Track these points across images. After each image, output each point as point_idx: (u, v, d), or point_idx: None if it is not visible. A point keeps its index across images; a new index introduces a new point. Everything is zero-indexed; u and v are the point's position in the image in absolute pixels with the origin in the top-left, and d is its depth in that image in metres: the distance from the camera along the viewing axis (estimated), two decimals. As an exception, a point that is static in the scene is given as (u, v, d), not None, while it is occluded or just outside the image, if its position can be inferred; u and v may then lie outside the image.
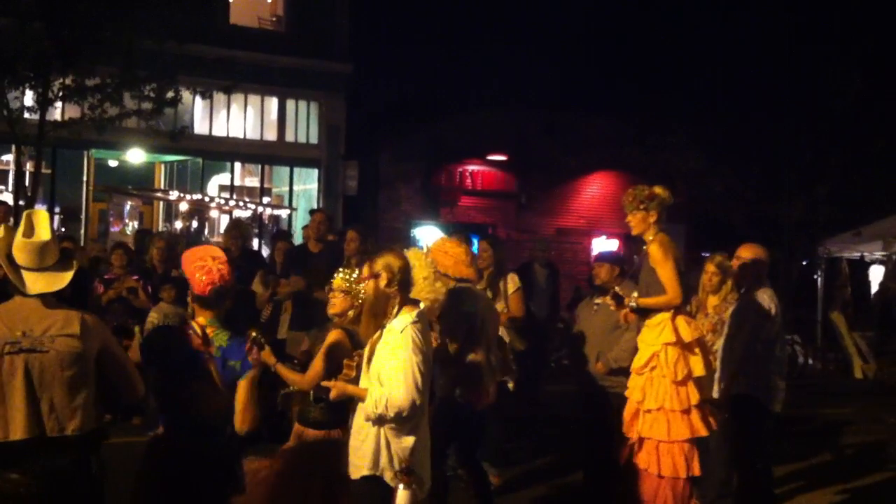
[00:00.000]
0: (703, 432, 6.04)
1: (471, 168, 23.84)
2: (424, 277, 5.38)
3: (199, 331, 4.21)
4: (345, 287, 5.28)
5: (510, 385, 7.35)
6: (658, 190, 6.19)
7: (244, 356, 4.19)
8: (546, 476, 8.36)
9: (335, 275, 5.38)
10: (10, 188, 19.54)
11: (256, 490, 5.00)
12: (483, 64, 25.33)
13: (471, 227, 20.91)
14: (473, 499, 6.41)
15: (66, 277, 3.94)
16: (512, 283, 8.13)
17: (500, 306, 7.71)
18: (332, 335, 5.29)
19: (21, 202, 16.17)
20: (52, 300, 3.92)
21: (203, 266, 4.24)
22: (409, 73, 24.44)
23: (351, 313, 5.24)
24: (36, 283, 3.87)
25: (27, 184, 16.77)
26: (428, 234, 20.18)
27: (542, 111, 23.41)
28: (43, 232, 3.92)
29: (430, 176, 23.42)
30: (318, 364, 5.25)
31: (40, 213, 4.07)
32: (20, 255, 3.88)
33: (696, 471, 6.04)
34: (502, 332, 7.36)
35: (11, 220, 12.25)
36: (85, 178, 20.63)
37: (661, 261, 6.02)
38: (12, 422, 3.72)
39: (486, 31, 25.38)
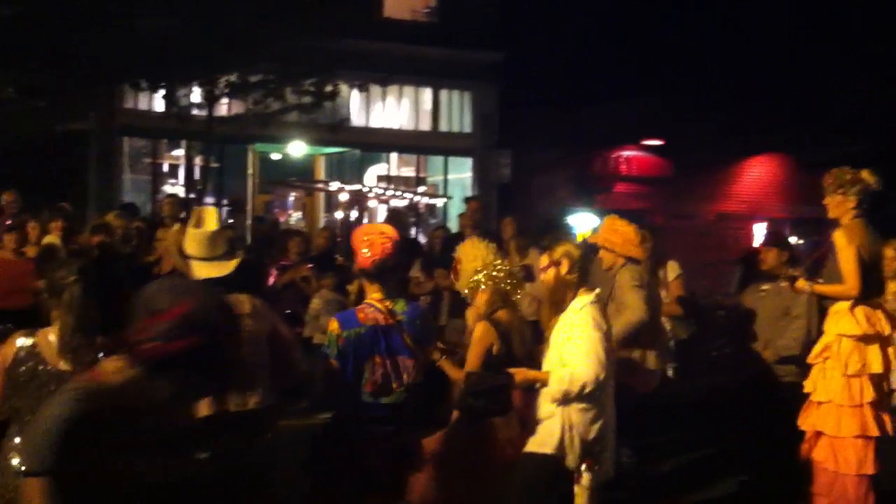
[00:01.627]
0: (875, 432, 5.72)
1: (626, 154, 23.48)
2: (476, 269, 5.31)
3: (380, 306, 4.25)
4: (488, 280, 5.25)
5: (670, 373, 7.22)
6: (864, 174, 5.84)
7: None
8: (702, 467, 8.14)
9: (477, 270, 5.33)
10: (181, 182, 20.54)
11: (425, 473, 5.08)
12: (636, 47, 24.83)
13: (626, 213, 20.57)
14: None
15: (231, 265, 4.12)
16: (672, 270, 7.98)
17: (661, 295, 7.57)
18: (478, 329, 5.26)
19: (191, 195, 16.97)
20: (226, 284, 4.10)
21: (368, 241, 4.29)
22: (561, 59, 24.19)
23: (486, 303, 5.21)
24: (202, 271, 4.06)
25: (196, 177, 17.52)
26: (582, 221, 19.97)
27: (698, 94, 22.81)
28: (210, 224, 4.14)
29: (584, 162, 23.19)
30: (472, 359, 5.26)
31: (209, 208, 4.30)
32: (190, 246, 4.10)
33: (871, 469, 5.74)
34: (663, 320, 7.23)
35: (183, 212, 12.80)
36: (250, 172, 21.39)
37: (842, 248, 5.74)
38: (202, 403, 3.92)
39: (639, 14, 24.83)
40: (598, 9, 23.98)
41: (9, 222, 8.65)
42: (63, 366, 3.59)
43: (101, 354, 3.57)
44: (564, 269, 4.71)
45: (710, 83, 23.08)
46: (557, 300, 4.72)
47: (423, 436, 4.80)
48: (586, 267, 4.85)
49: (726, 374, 9.27)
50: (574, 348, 4.47)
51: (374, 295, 4.29)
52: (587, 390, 4.43)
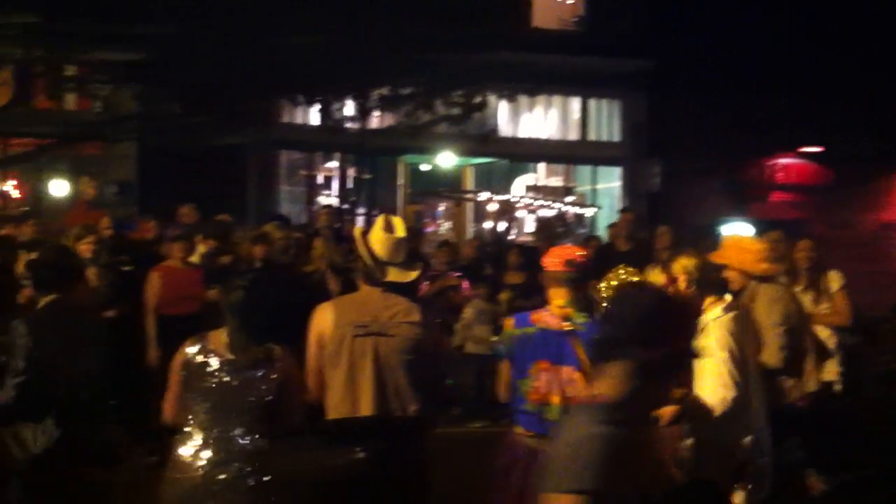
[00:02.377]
0: None
1: (782, 161, 22.72)
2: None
3: (557, 312, 4.30)
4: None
5: (837, 388, 6.94)
6: None
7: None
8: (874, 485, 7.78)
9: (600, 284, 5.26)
10: (335, 193, 21.09)
11: None
12: (789, 51, 24.01)
13: (782, 223, 19.91)
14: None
15: (413, 274, 4.27)
16: (835, 281, 7.67)
17: (823, 307, 7.30)
18: None
19: (344, 206, 17.40)
20: (392, 291, 4.22)
21: (562, 253, 4.43)
22: (711, 66, 23.64)
23: None
24: (391, 273, 4.20)
25: (349, 188, 17.97)
26: (736, 231, 19.43)
27: (856, 99, 21.85)
28: (399, 231, 4.27)
29: (738, 170, 22.56)
30: None
31: (396, 217, 4.44)
32: (379, 249, 4.23)
33: None
34: (827, 332, 6.96)
35: (338, 223, 13.15)
36: (400, 182, 21.77)
37: None
38: (360, 399, 4.03)
39: (791, 17, 24.00)
40: (748, 15, 23.31)
41: (177, 232, 9.04)
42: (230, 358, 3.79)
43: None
44: (682, 284, 4.59)
45: (869, 88, 22.11)
46: None
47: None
48: (708, 279, 4.68)
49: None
50: (703, 371, 4.34)
51: (556, 301, 4.34)
52: (718, 412, 4.30)
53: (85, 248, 7.33)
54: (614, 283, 5.00)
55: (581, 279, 4.35)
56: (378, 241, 4.27)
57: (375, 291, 4.22)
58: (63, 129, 16.25)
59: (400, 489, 3.99)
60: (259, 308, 3.88)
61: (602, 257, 10.23)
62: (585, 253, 4.49)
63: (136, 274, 8.08)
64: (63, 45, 14.00)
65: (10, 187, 18.09)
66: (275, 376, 3.83)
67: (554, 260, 4.35)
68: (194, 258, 8.59)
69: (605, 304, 5.12)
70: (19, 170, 18.01)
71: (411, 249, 4.60)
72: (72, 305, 4.52)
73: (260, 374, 3.82)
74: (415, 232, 17.20)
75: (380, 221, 4.35)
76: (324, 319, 4.16)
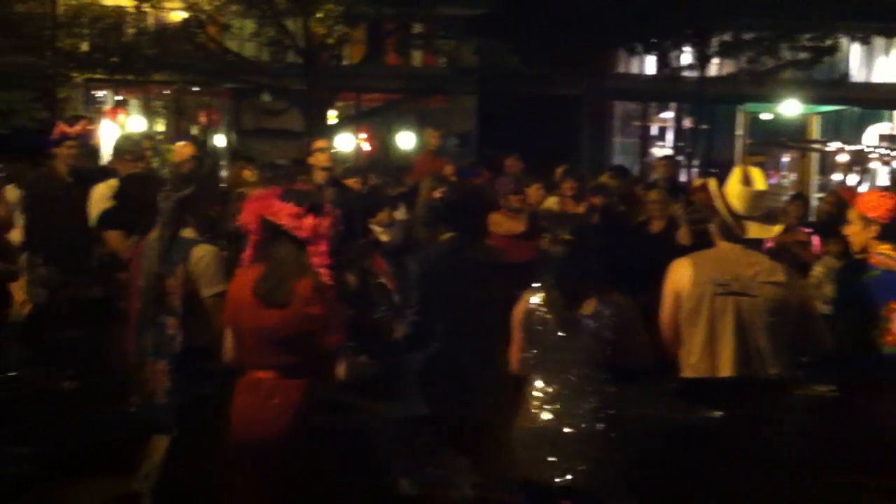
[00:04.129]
0: None
1: None
2: None
3: (892, 254, 4.33)
4: None
5: None
6: None
7: None
8: None
9: None
10: (669, 144, 20.68)
11: None
12: None
13: None
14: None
15: (775, 229, 4.07)
16: None
17: None
18: None
19: (679, 158, 17.00)
20: (754, 249, 4.04)
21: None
22: None
23: None
24: (751, 229, 4.02)
25: (685, 140, 17.55)
26: None
27: None
28: (758, 183, 4.07)
29: None
30: None
31: (755, 169, 4.24)
32: (737, 203, 4.06)
33: None
34: None
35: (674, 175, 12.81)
36: (739, 133, 20.95)
37: None
38: (720, 360, 3.91)
39: None
40: None
41: (512, 185, 9.21)
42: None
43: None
44: None
45: None
46: None
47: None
48: None
49: None
50: None
51: (882, 247, 4.38)
52: None
53: (437, 196, 7.67)
54: None
55: None
56: (735, 194, 4.07)
57: (736, 248, 4.04)
58: (410, 84, 17.17)
59: (756, 452, 3.84)
60: (578, 263, 3.83)
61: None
62: None
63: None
64: (412, 2, 14.72)
65: (362, 140, 19.39)
66: (614, 323, 3.78)
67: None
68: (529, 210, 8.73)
69: None
70: (369, 123, 19.25)
71: (770, 203, 4.37)
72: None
73: (594, 322, 3.79)
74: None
75: (736, 174, 4.13)
76: (681, 276, 4.04)
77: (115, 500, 3.92)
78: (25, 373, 6.34)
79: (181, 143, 8.21)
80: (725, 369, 3.88)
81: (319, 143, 7.22)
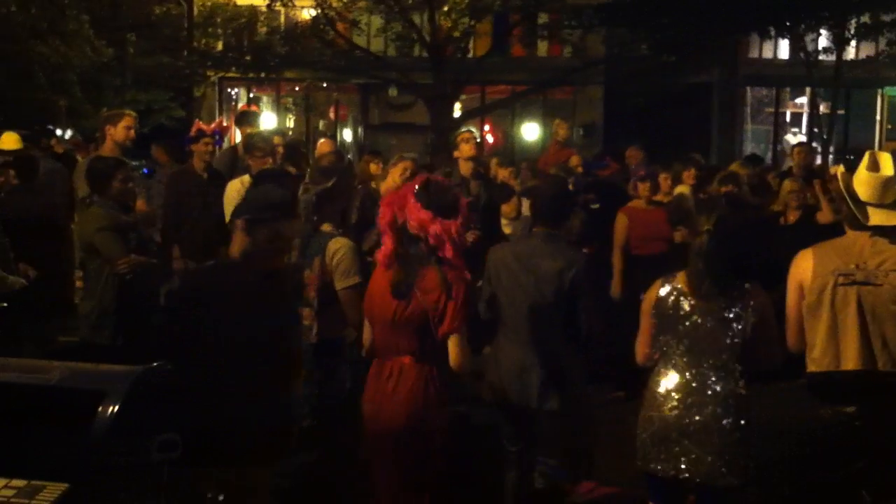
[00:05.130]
0: None
1: None
2: None
3: None
4: None
5: None
6: None
7: None
8: None
9: None
10: (803, 130, 20.05)
11: None
12: None
13: None
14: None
15: None
16: None
17: None
18: None
19: (814, 143, 16.45)
20: (882, 237, 3.89)
21: None
22: None
23: None
24: (874, 216, 3.88)
25: (820, 126, 17.01)
26: None
27: None
28: (886, 168, 3.93)
29: None
30: None
31: (884, 154, 4.09)
32: (861, 189, 3.93)
33: None
34: None
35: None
36: (878, 118, 20.19)
37: None
38: (844, 353, 3.79)
39: None
40: None
41: (642, 172, 9.11)
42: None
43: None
44: None
45: None
46: None
47: None
48: None
49: None
50: None
51: None
52: None
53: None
54: None
55: None
56: (861, 180, 3.92)
57: (862, 236, 3.89)
58: (535, 76, 17.13)
59: (888, 448, 3.71)
60: (725, 252, 3.78)
61: None
62: None
63: (604, 211, 8.29)
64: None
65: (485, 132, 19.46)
66: (749, 316, 3.72)
67: None
68: (660, 198, 8.63)
69: None
70: (493, 116, 19.30)
71: None
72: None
73: (734, 314, 3.73)
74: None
75: (865, 159, 3.99)
76: (804, 266, 3.93)
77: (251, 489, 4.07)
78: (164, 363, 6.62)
79: (322, 141, 8.42)
80: (850, 363, 3.76)
81: (465, 134, 6.91)
